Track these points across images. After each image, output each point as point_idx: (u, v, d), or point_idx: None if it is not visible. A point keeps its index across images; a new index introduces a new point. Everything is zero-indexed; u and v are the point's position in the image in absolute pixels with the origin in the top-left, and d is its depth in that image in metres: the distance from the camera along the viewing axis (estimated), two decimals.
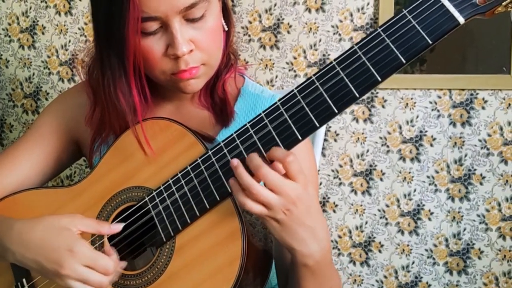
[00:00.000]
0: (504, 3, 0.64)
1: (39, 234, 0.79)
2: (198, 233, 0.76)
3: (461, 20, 0.65)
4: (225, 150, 0.75)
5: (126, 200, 0.83)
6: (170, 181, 0.79)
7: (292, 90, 0.71)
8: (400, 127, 1.42)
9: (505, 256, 1.43)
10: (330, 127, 1.45)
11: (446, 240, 1.45)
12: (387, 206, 1.46)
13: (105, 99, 0.86)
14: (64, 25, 1.54)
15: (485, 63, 1.37)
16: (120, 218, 0.83)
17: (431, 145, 1.42)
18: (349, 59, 0.69)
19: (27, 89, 1.60)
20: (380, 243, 1.48)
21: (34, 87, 1.59)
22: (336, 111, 0.69)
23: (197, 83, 0.86)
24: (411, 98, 1.40)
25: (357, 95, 0.68)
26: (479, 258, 1.44)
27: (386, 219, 1.47)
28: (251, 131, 0.73)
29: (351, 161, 1.46)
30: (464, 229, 1.44)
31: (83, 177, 0.89)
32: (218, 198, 0.74)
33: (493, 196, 1.41)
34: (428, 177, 1.43)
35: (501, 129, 1.38)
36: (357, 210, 1.48)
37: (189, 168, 0.77)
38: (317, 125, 0.70)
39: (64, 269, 0.75)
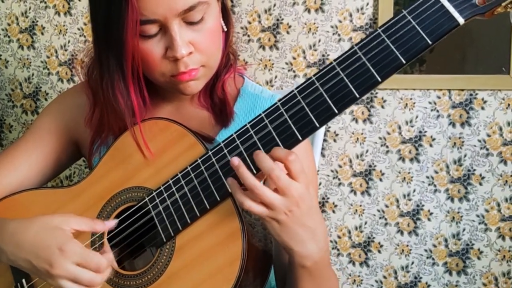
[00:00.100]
0: (503, 4, 0.64)
1: (32, 234, 0.78)
2: (198, 233, 0.76)
3: (461, 20, 0.65)
4: (225, 151, 0.75)
5: (126, 200, 0.83)
6: (170, 182, 0.79)
7: (292, 91, 0.71)
8: (400, 128, 1.42)
9: (504, 256, 1.43)
10: (329, 127, 1.45)
11: (446, 240, 1.45)
12: (387, 206, 1.46)
13: (104, 100, 0.86)
14: (64, 26, 1.54)
15: (485, 64, 1.37)
16: (120, 218, 0.83)
17: (431, 145, 1.42)
18: (349, 59, 0.69)
19: (26, 90, 1.60)
20: (379, 243, 1.48)
21: (33, 87, 1.59)
22: (336, 111, 0.69)
23: (197, 84, 0.86)
24: (411, 99, 1.41)
25: (357, 95, 0.68)
26: (479, 258, 1.45)
27: (386, 219, 1.47)
28: (251, 132, 0.73)
29: (350, 161, 1.46)
30: (464, 230, 1.44)
31: (82, 178, 0.88)
32: (219, 199, 0.74)
33: (493, 197, 1.41)
34: (427, 177, 1.43)
35: (501, 129, 1.38)
36: (356, 210, 1.48)
37: (189, 168, 0.77)
38: (318, 125, 0.70)
39: (55, 268, 0.74)
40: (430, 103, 1.40)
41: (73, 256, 0.75)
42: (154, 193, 0.80)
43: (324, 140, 1.45)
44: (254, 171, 0.72)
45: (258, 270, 0.80)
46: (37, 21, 1.55)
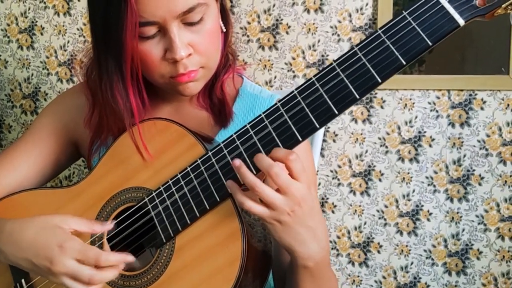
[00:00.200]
0: (504, 5, 0.64)
1: (31, 233, 0.78)
2: (198, 234, 0.76)
3: (461, 22, 0.65)
4: (225, 151, 0.75)
5: (125, 200, 0.83)
6: (170, 182, 0.79)
7: (292, 91, 0.71)
8: (399, 128, 1.42)
9: (504, 256, 1.43)
10: (329, 127, 1.45)
11: (445, 240, 1.45)
12: (386, 206, 1.46)
13: (103, 101, 0.86)
14: (63, 26, 1.54)
15: (484, 64, 1.37)
16: (120, 218, 0.82)
17: (430, 145, 1.42)
18: (350, 60, 0.69)
19: (26, 90, 1.60)
20: (379, 243, 1.49)
21: (33, 87, 1.59)
22: (336, 112, 0.69)
23: (196, 85, 0.86)
24: (410, 99, 1.41)
25: (358, 96, 0.68)
26: (478, 258, 1.45)
27: (385, 219, 1.47)
28: (251, 132, 0.73)
29: (350, 161, 1.46)
30: (463, 230, 1.44)
31: (82, 178, 0.88)
32: (218, 199, 0.74)
33: (492, 197, 1.41)
34: (427, 177, 1.43)
35: (500, 129, 1.38)
36: (356, 210, 1.48)
37: (189, 169, 0.77)
38: (318, 126, 0.70)
39: (55, 265, 0.74)
40: (429, 103, 1.40)
41: (72, 253, 0.75)
42: (154, 194, 0.80)
43: (324, 140, 1.45)
44: (254, 172, 0.72)
45: (258, 271, 0.79)
46: (36, 22, 1.55)
